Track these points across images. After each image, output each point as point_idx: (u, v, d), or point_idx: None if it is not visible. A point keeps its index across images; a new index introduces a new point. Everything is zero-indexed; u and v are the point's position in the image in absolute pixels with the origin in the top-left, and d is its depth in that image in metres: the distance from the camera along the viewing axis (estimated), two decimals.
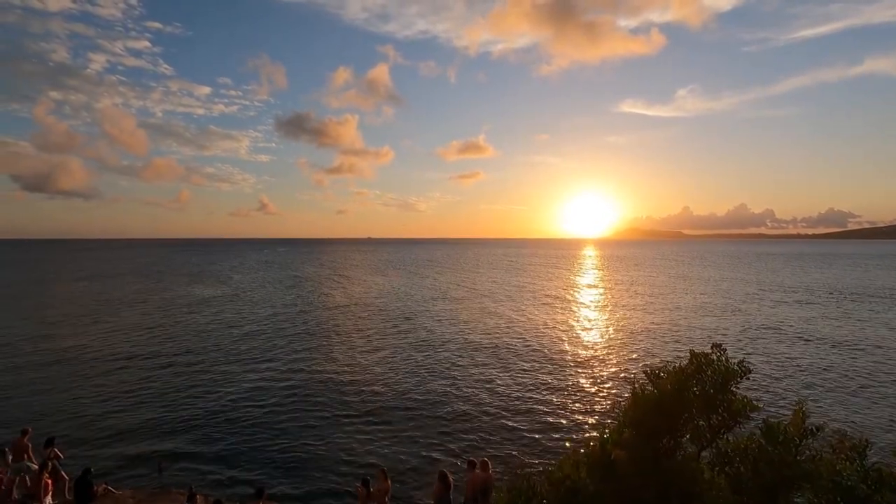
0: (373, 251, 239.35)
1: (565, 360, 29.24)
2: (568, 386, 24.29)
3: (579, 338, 36.00)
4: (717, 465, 4.64)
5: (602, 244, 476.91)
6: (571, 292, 66.17)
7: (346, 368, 27.29)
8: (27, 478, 12.45)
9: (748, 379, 5.07)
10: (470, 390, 23.54)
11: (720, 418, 4.94)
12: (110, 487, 13.31)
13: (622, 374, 26.13)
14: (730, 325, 40.26)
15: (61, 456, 13.30)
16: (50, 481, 11.65)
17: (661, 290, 65.57)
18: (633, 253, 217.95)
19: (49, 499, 11.23)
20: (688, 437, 5.06)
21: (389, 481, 11.26)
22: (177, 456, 16.68)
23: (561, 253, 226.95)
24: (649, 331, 37.77)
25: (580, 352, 31.51)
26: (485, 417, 20.17)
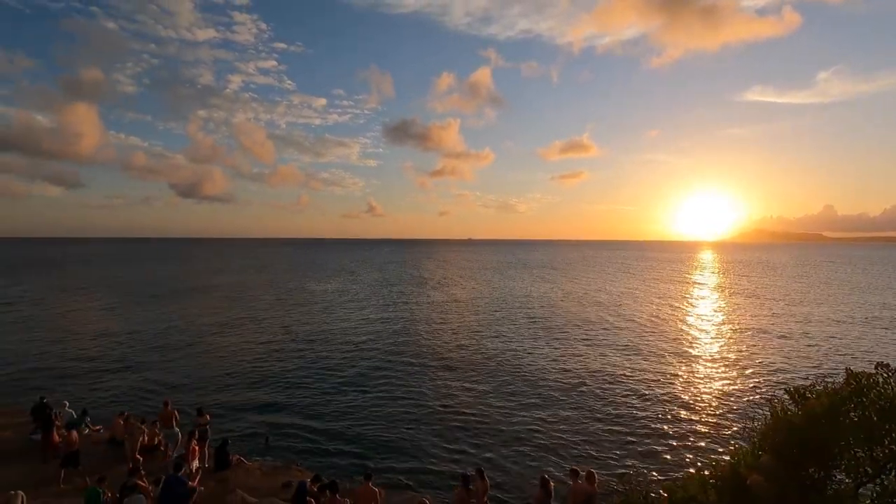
0: (476, 252, 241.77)
1: (686, 369, 27.02)
2: (689, 397, 22.38)
3: (702, 346, 33.02)
4: None
5: (721, 247, 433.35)
6: (690, 297, 60.95)
7: (457, 362, 27.85)
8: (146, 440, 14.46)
9: None
10: (579, 392, 22.74)
11: (887, 451, 4.15)
12: (243, 459, 14.94)
13: (752, 389, 23.47)
14: (888, 340, 34.27)
15: (210, 421, 15.23)
16: (197, 448, 13.37)
17: (796, 298, 57.78)
18: (758, 257, 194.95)
19: (196, 462, 12.89)
20: (842, 468, 4.34)
21: (488, 481, 11.23)
22: (286, 430, 18.33)
23: (673, 256, 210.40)
24: (783, 341, 33.47)
25: (703, 361, 28.89)
26: (594, 422, 19.34)
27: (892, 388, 4.15)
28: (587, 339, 34.94)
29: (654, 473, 15.17)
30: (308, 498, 9.52)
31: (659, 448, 17.25)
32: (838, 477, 4.27)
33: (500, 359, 29.32)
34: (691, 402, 22.04)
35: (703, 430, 18.95)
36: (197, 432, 13.82)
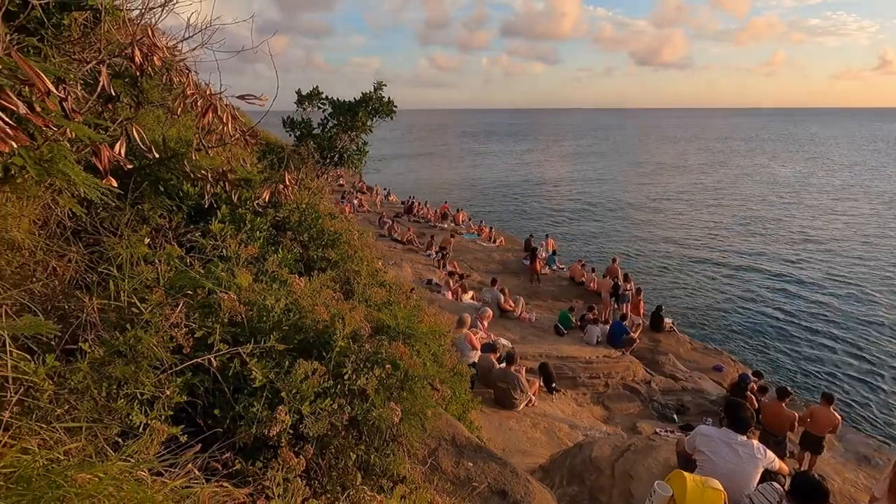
0: None
1: None
2: None
3: None
4: None
5: None
6: None
7: None
8: None
9: None
10: None
11: None
12: (675, 328, 15.13)
13: None
14: None
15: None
16: (642, 303, 14.54)
17: None
18: None
19: (639, 317, 14.19)
20: None
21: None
22: (725, 316, 17.10)
23: None
24: None
25: None
26: None
27: None
28: None
29: None
30: (747, 393, 8.70)
31: None
32: None
33: None
34: None
35: None
36: (642, 290, 14.92)
